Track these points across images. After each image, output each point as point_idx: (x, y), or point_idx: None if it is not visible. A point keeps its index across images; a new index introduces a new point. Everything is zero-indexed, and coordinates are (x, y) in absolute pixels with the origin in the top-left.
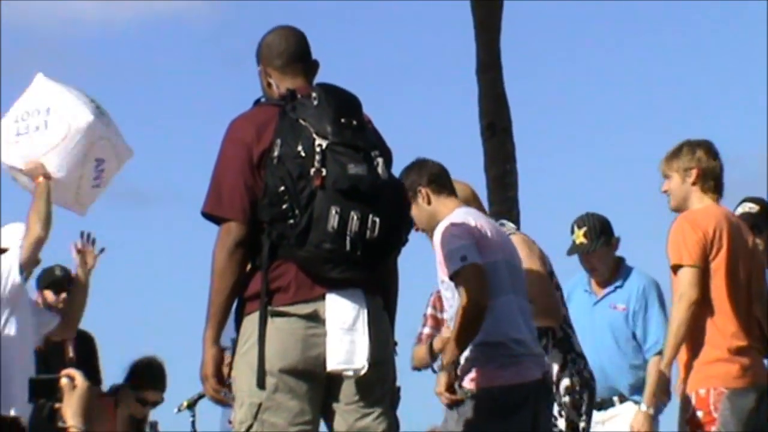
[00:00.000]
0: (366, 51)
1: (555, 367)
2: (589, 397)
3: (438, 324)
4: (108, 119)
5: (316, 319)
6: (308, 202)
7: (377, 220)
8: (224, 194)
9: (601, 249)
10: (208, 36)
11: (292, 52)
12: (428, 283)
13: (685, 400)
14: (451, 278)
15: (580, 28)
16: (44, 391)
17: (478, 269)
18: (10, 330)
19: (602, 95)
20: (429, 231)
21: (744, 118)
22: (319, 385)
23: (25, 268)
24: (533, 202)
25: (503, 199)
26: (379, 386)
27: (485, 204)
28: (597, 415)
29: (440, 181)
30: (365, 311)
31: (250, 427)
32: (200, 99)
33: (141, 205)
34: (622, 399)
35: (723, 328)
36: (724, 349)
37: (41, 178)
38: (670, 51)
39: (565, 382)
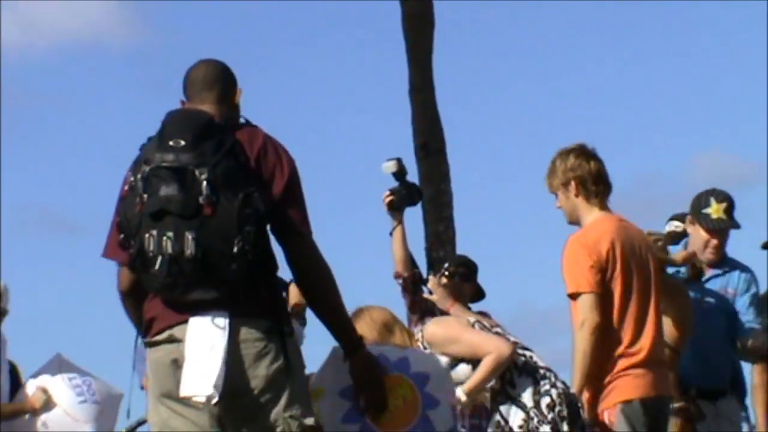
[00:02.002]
0: (300, 73)
1: (529, 391)
2: (567, 405)
3: None
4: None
5: (179, 345)
6: (137, 231)
7: (192, 236)
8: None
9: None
10: (128, 61)
11: (199, 80)
12: None
13: (599, 425)
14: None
15: (512, 47)
16: None
17: None
18: None
19: (537, 113)
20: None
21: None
22: (205, 407)
23: None
24: (468, 222)
25: (438, 218)
26: (261, 415)
27: (421, 225)
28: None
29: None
30: (224, 336)
31: None
32: (122, 125)
33: (71, 233)
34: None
35: (617, 345)
36: (619, 366)
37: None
38: (605, 67)
39: (545, 400)
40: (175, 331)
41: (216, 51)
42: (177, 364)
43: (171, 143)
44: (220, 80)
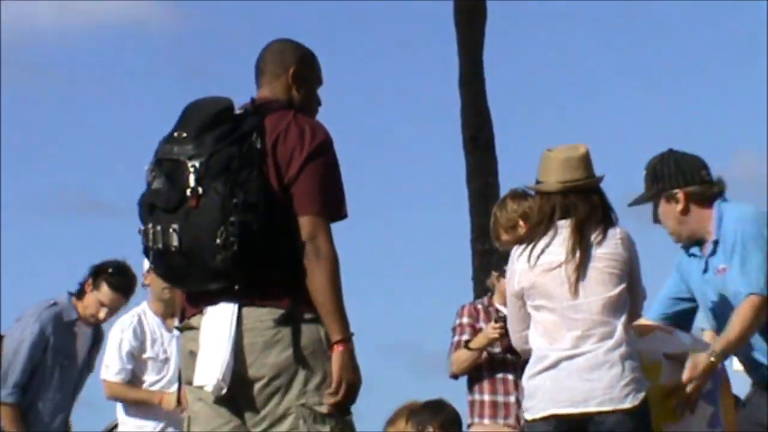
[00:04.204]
0: (348, 64)
1: None
2: None
3: (476, 333)
4: None
5: (196, 333)
6: (143, 223)
7: (176, 229)
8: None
9: None
10: (168, 43)
11: (257, 64)
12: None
13: None
14: None
15: (563, 42)
16: None
17: None
18: None
19: (586, 108)
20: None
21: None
22: (226, 394)
23: None
24: None
25: (485, 212)
26: (272, 403)
27: (467, 216)
28: None
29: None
30: (231, 325)
31: None
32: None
33: (110, 216)
34: None
35: None
36: None
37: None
38: (657, 62)
39: None
40: (193, 321)
41: (257, 39)
42: (194, 353)
43: (176, 135)
44: (271, 62)
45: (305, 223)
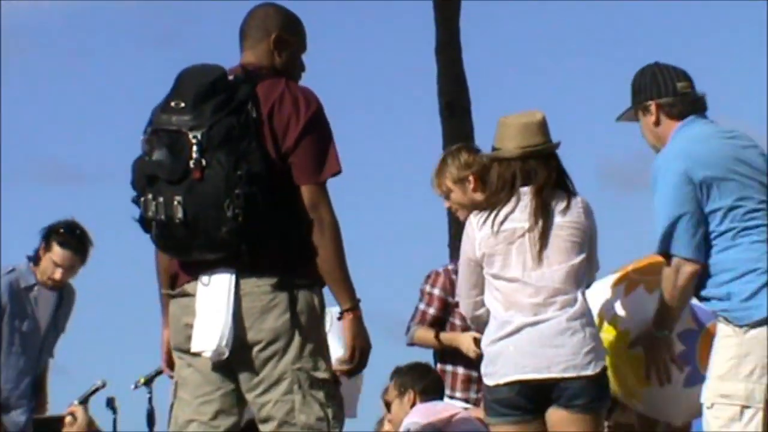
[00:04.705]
0: (325, 30)
1: None
2: None
3: (446, 308)
4: None
5: (190, 299)
6: (141, 192)
7: (180, 201)
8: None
9: None
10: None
11: (241, 29)
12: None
13: None
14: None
15: (541, 7)
16: (48, 429)
17: None
18: None
19: (564, 74)
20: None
21: None
22: (218, 361)
23: None
24: None
25: None
26: (267, 367)
27: None
28: None
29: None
30: (230, 292)
31: (172, 404)
32: (132, 76)
33: (77, 182)
34: None
35: None
36: None
37: None
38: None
39: None
40: (187, 288)
41: (231, 4)
42: (187, 320)
43: (172, 104)
44: (254, 27)
45: (306, 193)
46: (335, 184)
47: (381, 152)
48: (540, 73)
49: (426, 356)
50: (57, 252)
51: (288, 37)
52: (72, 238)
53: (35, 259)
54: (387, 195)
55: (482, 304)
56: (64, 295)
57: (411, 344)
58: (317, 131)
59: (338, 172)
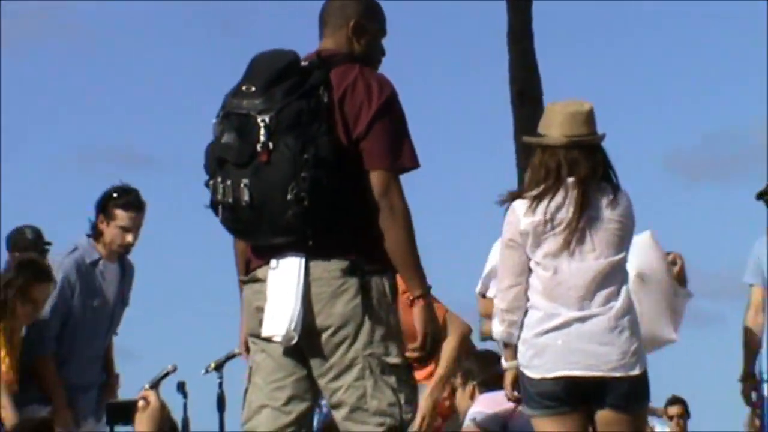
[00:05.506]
0: (399, 19)
1: None
2: None
3: None
4: None
5: (262, 285)
6: (212, 176)
7: (246, 184)
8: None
9: None
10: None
11: (320, 15)
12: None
13: None
14: None
15: None
16: (121, 414)
17: None
18: None
19: (635, 63)
20: None
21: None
22: (290, 347)
23: None
24: None
25: None
26: (338, 353)
27: (514, 171)
28: None
29: None
30: (299, 277)
31: (246, 389)
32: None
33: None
34: None
35: None
36: None
37: None
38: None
39: None
40: (258, 273)
41: None
42: (259, 305)
43: (244, 88)
44: (333, 13)
45: (377, 179)
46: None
47: (453, 140)
48: (611, 62)
49: None
50: (121, 216)
51: (367, 23)
52: (130, 198)
53: (95, 235)
54: (458, 183)
55: (522, 295)
56: (125, 267)
57: (484, 339)
58: (389, 117)
59: (415, 167)
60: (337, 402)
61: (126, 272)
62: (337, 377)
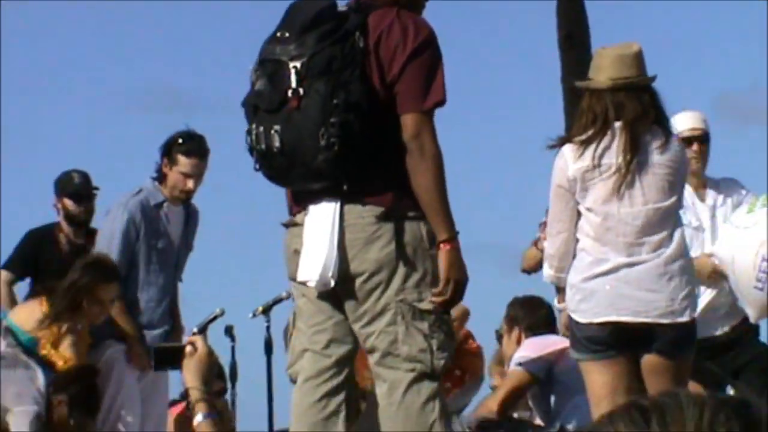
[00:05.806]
0: None
1: None
2: None
3: None
4: None
5: (300, 229)
6: (249, 123)
7: (278, 130)
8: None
9: None
10: None
11: None
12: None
13: None
14: None
15: None
16: (169, 359)
17: None
18: None
19: (684, 8)
20: None
21: None
22: (326, 291)
23: None
24: None
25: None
26: (371, 299)
27: (561, 115)
28: None
29: None
30: (334, 222)
31: (291, 334)
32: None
33: (194, 110)
34: None
35: None
36: None
37: None
38: None
39: None
40: (297, 218)
41: None
42: (297, 250)
43: (278, 35)
44: None
45: (409, 122)
46: (451, 115)
47: (500, 84)
48: (659, 6)
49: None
50: (184, 162)
51: None
52: (194, 145)
53: (160, 178)
54: (506, 126)
55: (570, 241)
56: (190, 212)
57: (524, 270)
58: (425, 59)
59: (442, 101)
60: (370, 347)
61: (190, 216)
62: (369, 323)
